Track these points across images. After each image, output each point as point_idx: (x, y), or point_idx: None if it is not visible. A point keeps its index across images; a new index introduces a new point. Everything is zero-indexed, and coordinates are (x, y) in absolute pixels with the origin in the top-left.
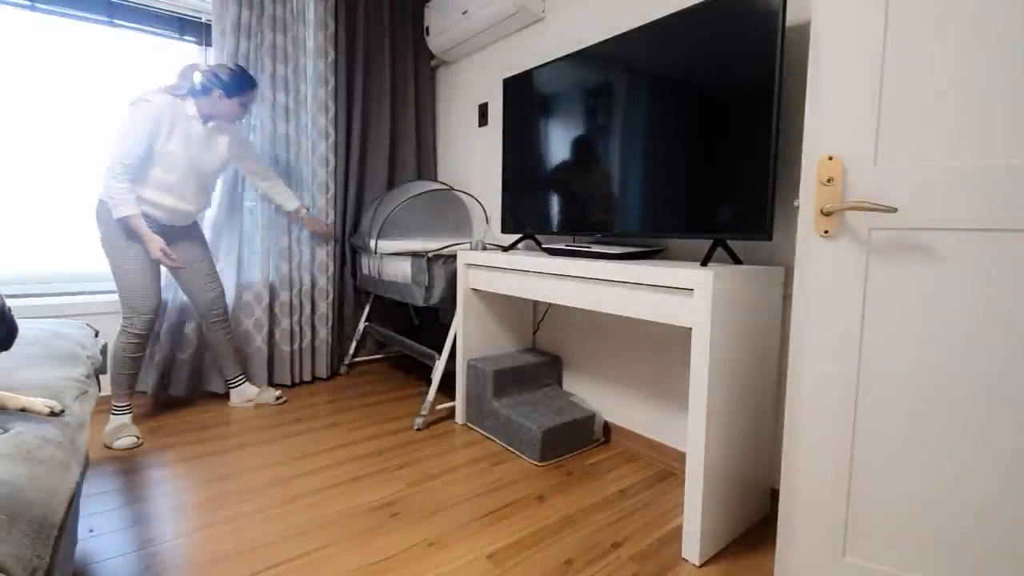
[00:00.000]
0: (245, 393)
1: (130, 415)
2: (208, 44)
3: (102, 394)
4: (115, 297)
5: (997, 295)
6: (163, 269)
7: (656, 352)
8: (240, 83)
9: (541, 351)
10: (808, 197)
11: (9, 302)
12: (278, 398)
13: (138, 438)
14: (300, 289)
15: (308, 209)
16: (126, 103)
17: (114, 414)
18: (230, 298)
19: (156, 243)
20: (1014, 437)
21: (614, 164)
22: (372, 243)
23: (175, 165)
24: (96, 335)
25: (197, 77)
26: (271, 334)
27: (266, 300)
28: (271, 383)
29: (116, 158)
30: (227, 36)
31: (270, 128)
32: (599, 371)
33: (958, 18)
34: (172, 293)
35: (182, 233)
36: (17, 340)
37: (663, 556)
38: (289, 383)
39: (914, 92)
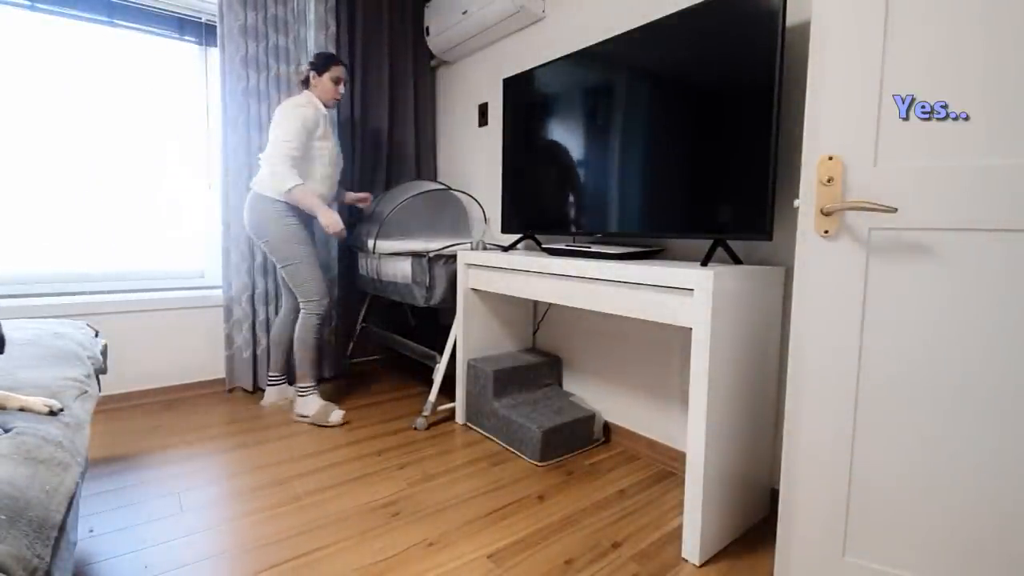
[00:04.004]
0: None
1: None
2: (208, 44)
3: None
4: (116, 298)
5: (997, 295)
6: None
7: (656, 352)
8: (326, 58)
9: (541, 351)
10: (808, 197)
11: (10, 302)
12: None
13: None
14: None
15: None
16: (288, 106)
17: (305, 395)
18: (242, 292)
19: (332, 214)
20: (1015, 437)
21: (614, 164)
22: (371, 243)
23: (329, 159)
24: (96, 335)
25: (300, 75)
26: (269, 333)
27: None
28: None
29: (283, 150)
30: (234, 39)
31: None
32: (599, 371)
33: (958, 18)
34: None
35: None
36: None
37: (663, 556)
38: (288, 383)
39: (914, 92)
